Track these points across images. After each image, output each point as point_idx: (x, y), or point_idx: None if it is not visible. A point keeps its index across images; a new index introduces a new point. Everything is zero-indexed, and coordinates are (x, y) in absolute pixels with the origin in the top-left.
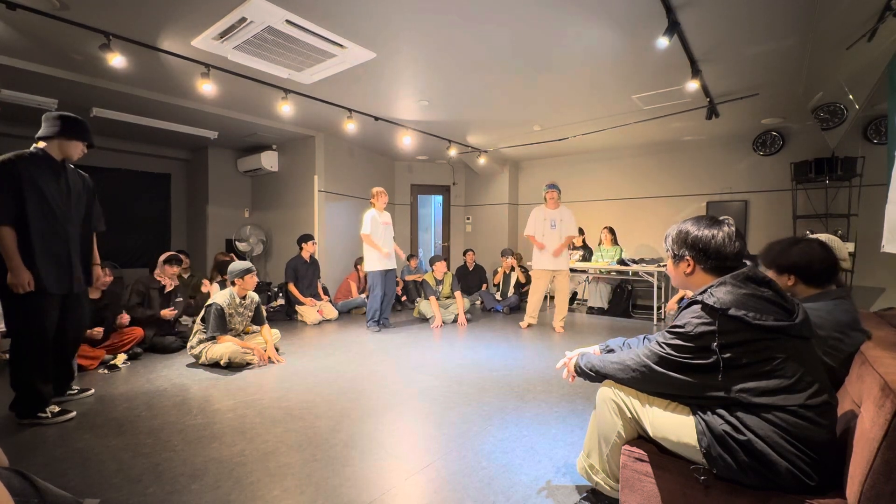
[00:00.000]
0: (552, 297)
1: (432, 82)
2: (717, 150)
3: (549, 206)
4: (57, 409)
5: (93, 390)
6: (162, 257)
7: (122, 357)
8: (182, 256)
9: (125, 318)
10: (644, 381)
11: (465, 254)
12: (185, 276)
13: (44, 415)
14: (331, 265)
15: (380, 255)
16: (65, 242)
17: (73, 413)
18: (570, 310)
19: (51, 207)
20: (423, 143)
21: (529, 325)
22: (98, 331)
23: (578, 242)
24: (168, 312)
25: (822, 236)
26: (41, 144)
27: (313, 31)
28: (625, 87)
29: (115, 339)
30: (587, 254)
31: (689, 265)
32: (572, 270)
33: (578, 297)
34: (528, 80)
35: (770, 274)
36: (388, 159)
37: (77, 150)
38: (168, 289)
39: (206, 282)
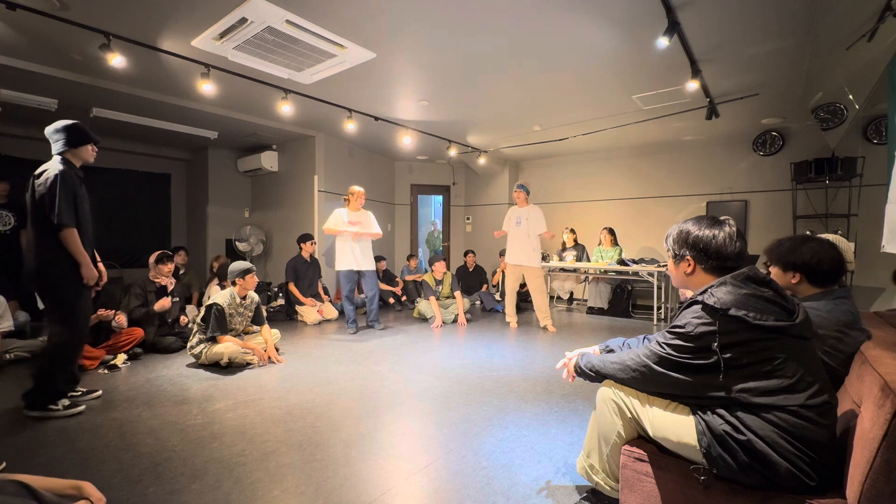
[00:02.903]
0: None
1: (432, 82)
2: (717, 150)
3: (518, 205)
4: (67, 402)
5: (100, 391)
6: (152, 258)
7: (122, 357)
8: (182, 253)
9: (122, 318)
10: (644, 381)
11: (465, 255)
12: (181, 271)
13: (55, 407)
14: (331, 265)
15: (344, 253)
16: (91, 243)
17: (83, 406)
18: (569, 310)
19: (85, 213)
20: (423, 143)
21: (516, 324)
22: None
23: (570, 242)
24: (163, 303)
25: (829, 237)
26: (59, 158)
27: (313, 31)
28: (625, 87)
29: (115, 339)
30: (580, 253)
31: (689, 265)
32: (565, 270)
33: (577, 297)
34: (528, 80)
35: (774, 271)
36: (388, 159)
37: (89, 152)
38: (170, 287)
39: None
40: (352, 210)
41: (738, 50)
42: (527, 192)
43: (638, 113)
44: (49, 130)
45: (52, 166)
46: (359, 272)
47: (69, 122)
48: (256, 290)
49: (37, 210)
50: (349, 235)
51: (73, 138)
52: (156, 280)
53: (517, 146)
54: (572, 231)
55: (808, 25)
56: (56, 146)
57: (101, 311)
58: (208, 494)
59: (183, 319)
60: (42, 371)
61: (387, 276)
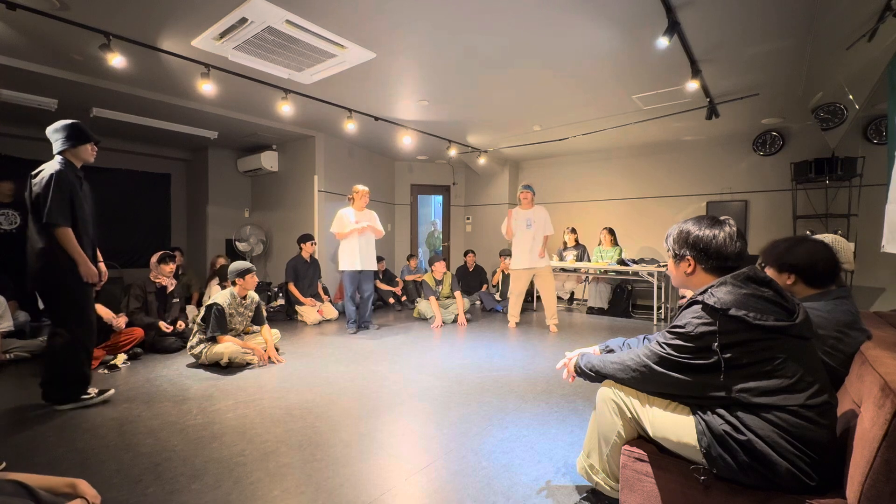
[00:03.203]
0: (538, 298)
1: (432, 82)
2: (717, 150)
3: (523, 207)
4: (96, 389)
5: (112, 390)
6: (154, 258)
7: (122, 357)
8: (178, 254)
9: (122, 320)
10: (644, 381)
11: (465, 255)
12: (179, 272)
13: (88, 395)
14: (331, 265)
15: (350, 253)
16: (91, 243)
17: (113, 390)
18: (569, 309)
19: (83, 212)
20: (423, 143)
21: (516, 325)
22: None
23: (571, 242)
24: (164, 326)
25: (828, 237)
26: (59, 157)
27: (313, 31)
28: (625, 87)
29: (115, 339)
30: (581, 253)
31: (689, 265)
32: (566, 270)
33: (577, 296)
34: (529, 80)
35: (769, 272)
36: (388, 159)
37: (88, 152)
38: (170, 289)
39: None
40: (357, 210)
41: (738, 50)
42: (533, 193)
43: (638, 113)
44: (49, 130)
45: (49, 166)
46: (360, 272)
47: (69, 121)
48: (256, 290)
49: (34, 210)
50: (365, 239)
51: (73, 138)
52: (156, 280)
53: (517, 146)
54: (573, 231)
55: (808, 25)
56: (56, 146)
57: (101, 311)
58: (208, 494)
59: (180, 325)
60: (66, 366)
61: (387, 276)
